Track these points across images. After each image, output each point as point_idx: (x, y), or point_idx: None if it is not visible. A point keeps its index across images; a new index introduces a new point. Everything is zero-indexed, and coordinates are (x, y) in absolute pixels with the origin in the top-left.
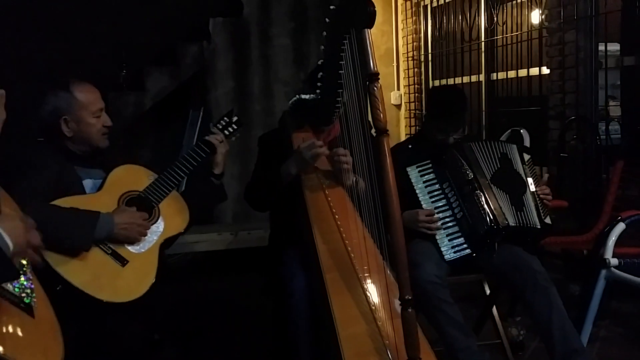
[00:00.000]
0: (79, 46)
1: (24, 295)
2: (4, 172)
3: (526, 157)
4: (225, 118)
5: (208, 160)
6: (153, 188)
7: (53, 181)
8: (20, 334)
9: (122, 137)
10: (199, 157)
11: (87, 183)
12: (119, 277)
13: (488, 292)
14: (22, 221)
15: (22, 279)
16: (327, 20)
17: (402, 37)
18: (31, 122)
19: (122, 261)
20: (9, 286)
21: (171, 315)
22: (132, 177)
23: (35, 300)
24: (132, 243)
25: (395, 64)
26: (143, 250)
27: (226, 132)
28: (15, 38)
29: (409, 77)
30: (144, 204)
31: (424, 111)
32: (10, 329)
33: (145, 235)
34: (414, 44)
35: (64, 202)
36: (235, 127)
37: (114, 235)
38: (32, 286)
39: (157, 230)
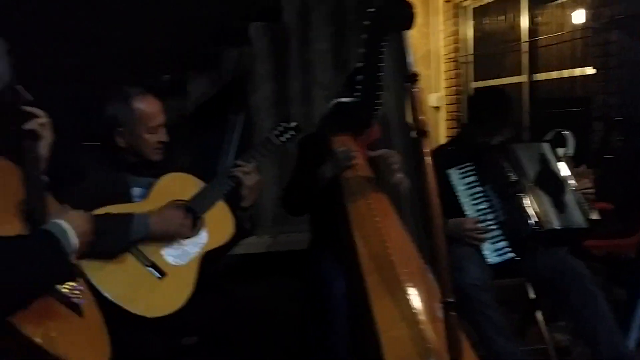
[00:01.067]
0: (122, 52)
1: (72, 295)
2: (52, 178)
3: (561, 151)
4: (282, 123)
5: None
6: (199, 198)
7: (99, 187)
8: (69, 332)
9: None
10: (228, 185)
11: (135, 191)
12: (154, 291)
13: (532, 295)
14: (82, 214)
15: None
16: (366, 23)
17: (443, 38)
18: (79, 126)
19: (160, 274)
20: (58, 286)
21: (209, 318)
22: (179, 186)
23: (83, 300)
24: (173, 240)
25: (435, 65)
26: (183, 263)
27: (282, 139)
28: (61, 44)
29: (449, 79)
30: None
31: (464, 113)
32: (60, 327)
33: (187, 231)
34: (454, 45)
35: (106, 210)
36: (294, 133)
37: (151, 234)
38: (81, 287)
39: (200, 242)
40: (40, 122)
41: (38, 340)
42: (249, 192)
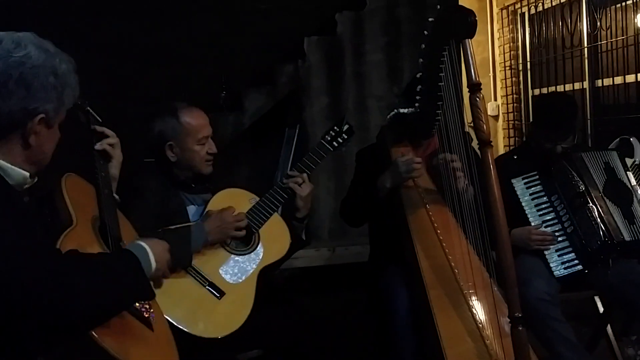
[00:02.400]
0: (181, 70)
1: (143, 310)
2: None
3: (629, 161)
4: (335, 127)
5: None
6: (253, 213)
7: (157, 206)
8: (143, 346)
9: (222, 156)
10: (282, 198)
11: (191, 209)
12: (214, 311)
13: (601, 309)
14: (163, 243)
15: None
16: (425, 32)
17: (499, 46)
18: (138, 145)
19: (219, 293)
20: None
21: (271, 332)
22: (233, 202)
23: (153, 314)
24: (229, 242)
25: (491, 74)
26: (241, 281)
27: (335, 143)
28: (119, 64)
29: (506, 87)
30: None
31: (523, 121)
32: (135, 341)
33: (240, 229)
34: (511, 52)
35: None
36: (345, 137)
37: (210, 239)
38: (150, 301)
39: (256, 259)
40: (110, 142)
41: (115, 353)
42: (303, 202)
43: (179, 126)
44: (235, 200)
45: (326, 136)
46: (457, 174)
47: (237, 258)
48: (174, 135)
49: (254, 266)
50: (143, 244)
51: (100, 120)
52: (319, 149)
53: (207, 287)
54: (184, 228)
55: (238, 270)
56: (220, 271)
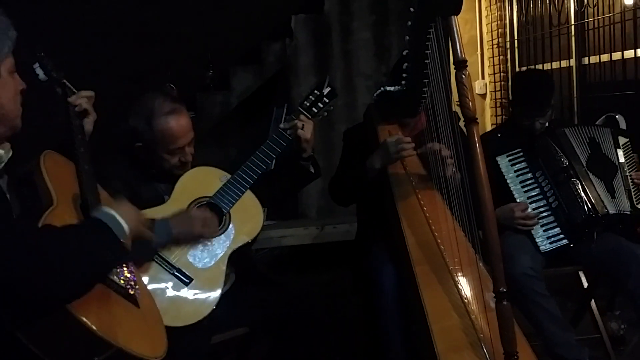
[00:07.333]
0: (167, 49)
1: (128, 286)
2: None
3: (622, 140)
4: (315, 91)
5: (287, 150)
6: (223, 192)
7: (131, 199)
8: (128, 323)
9: (210, 136)
10: (278, 148)
11: (166, 198)
12: (182, 299)
13: (586, 284)
14: (131, 206)
15: (126, 271)
16: (411, 9)
17: (486, 24)
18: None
19: (187, 279)
20: (115, 278)
21: (260, 310)
22: (202, 181)
23: (139, 291)
24: (200, 243)
25: (479, 52)
26: (210, 265)
27: (314, 109)
28: (106, 43)
29: (494, 65)
30: (214, 212)
31: (510, 99)
32: (120, 318)
33: (213, 232)
34: (499, 30)
35: None
36: (326, 101)
37: (174, 239)
38: (135, 278)
39: (227, 241)
40: (87, 94)
41: (97, 329)
42: (308, 143)
43: (150, 132)
44: (205, 180)
45: (305, 102)
46: (447, 161)
47: (206, 242)
48: (144, 139)
49: (224, 249)
50: (109, 210)
51: (76, 91)
52: (297, 119)
53: (175, 273)
54: (147, 223)
55: (207, 254)
56: (189, 256)
